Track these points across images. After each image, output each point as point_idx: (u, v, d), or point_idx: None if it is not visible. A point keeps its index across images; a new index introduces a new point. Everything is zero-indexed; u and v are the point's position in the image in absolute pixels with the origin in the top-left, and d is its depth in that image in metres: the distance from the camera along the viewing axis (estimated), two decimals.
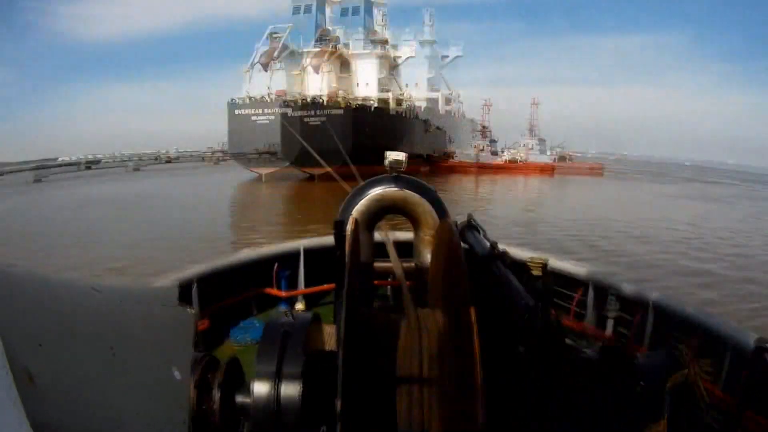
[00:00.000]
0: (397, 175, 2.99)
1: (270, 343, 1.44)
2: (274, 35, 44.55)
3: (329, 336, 3.39)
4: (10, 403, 0.67)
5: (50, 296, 0.92)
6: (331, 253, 2.95)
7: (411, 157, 3.21)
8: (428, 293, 2.13)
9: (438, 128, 54.81)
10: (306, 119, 38.61)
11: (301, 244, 5.81)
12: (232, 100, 42.12)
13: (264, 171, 40.75)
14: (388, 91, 47.75)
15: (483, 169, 55.35)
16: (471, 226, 3.12)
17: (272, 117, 39.44)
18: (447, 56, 61.17)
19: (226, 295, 5.13)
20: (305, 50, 45.32)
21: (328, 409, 1.32)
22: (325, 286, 5.45)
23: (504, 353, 1.51)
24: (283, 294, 5.51)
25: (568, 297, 5.24)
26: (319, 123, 37.38)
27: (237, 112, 41.45)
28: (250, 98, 42.16)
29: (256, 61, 43.82)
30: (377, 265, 3.36)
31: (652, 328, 4.29)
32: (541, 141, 64.94)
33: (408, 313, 1.85)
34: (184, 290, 4.12)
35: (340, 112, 39.56)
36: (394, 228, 5.15)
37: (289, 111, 39.23)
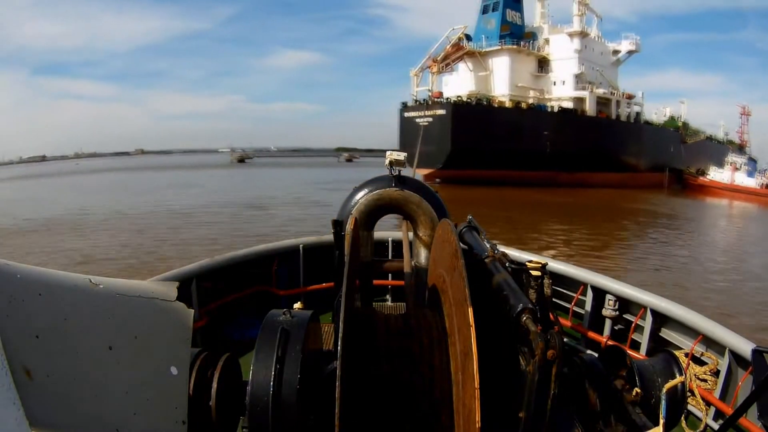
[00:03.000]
0: (397, 175, 3.01)
1: (268, 341, 1.44)
2: (452, 38, 46.09)
3: (327, 335, 3.55)
4: (8, 399, 0.68)
5: (48, 292, 0.92)
6: (331, 251, 2.99)
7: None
8: (427, 293, 2.13)
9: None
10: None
11: (301, 242, 5.78)
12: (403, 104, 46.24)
13: (423, 171, 42.68)
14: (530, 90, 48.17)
15: (736, 193, 45.28)
16: (471, 227, 3.08)
17: (431, 119, 41.55)
18: (618, 51, 56.74)
19: (225, 292, 5.12)
20: (487, 50, 46.88)
21: (326, 407, 1.34)
22: (324, 285, 5.45)
23: (502, 354, 1.53)
24: (281, 292, 5.51)
25: (566, 298, 5.20)
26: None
27: (405, 114, 44.62)
28: (416, 101, 44.78)
29: (426, 66, 45.95)
30: (376, 264, 3.37)
31: (650, 330, 4.25)
32: (751, 161, 54.60)
33: (406, 312, 1.93)
34: (183, 287, 4.09)
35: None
36: (393, 228, 5.37)
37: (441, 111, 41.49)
